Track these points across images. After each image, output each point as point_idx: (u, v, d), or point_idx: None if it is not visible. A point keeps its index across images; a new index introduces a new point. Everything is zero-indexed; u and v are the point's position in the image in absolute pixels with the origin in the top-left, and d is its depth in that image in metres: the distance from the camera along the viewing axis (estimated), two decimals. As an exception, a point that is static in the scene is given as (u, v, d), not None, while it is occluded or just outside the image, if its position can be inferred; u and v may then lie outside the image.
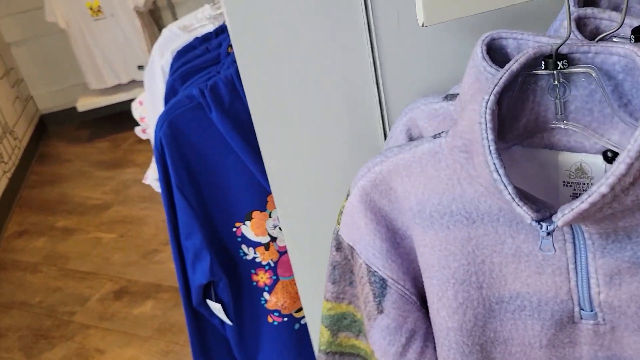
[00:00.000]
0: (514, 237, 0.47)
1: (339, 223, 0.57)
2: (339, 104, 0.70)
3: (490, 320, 0.51)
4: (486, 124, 0.40)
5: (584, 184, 0.47)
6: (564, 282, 0.46)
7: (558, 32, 0.52)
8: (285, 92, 0.68)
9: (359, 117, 0.70)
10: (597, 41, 0.41)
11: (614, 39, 0.45)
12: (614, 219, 0.38)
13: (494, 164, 0.39)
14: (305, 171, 0.74)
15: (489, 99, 0.40)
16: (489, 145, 0.39)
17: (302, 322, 0.96)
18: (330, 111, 0.70)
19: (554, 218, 0.37)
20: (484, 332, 0.51)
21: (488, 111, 0.40)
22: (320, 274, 0.75)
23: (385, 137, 0.71)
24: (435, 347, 0.57)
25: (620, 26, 0.44)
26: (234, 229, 0.90)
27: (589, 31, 0.48)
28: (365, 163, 0.54)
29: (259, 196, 0.89)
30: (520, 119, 0.44)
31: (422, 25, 0.52)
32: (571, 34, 0.44)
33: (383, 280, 0.55)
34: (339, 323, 0.63)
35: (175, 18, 3.13)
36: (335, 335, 0.64)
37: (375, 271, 0.55)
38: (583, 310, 0.47)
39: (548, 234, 0.37)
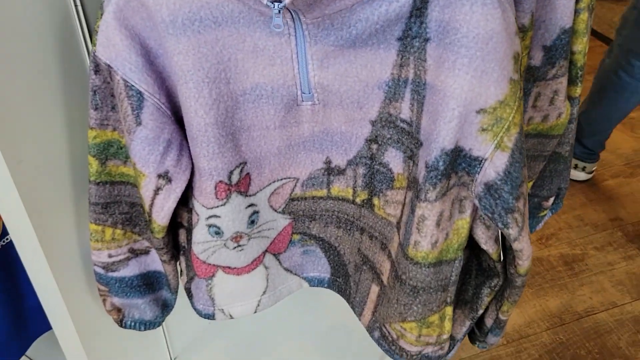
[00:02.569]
0: (252, 35, 0.59)
1: (94, 45, 0.61)
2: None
3: (237, 111, 0.63)
4: None
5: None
6: (289, 70, 0.61)
7: None
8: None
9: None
10: None
11: None
12: (321, 5, 0.53)
13: None
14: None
15: None
16: None
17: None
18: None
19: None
20: (233, 122, 0.64)
21: None
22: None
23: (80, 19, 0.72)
24: (189, 156, 0.67)
25: None
26: None
27: None
28: None
29: None
30: None
31: None
32: None
33: (140, 93, 0.61)
34: (106, 151, 0.67)
35: None
36: (103, 164, 0.68)
37: (133, 85, 0.61)
38: (304, 93, 0.63)
39: (279, 11, 0.50)
